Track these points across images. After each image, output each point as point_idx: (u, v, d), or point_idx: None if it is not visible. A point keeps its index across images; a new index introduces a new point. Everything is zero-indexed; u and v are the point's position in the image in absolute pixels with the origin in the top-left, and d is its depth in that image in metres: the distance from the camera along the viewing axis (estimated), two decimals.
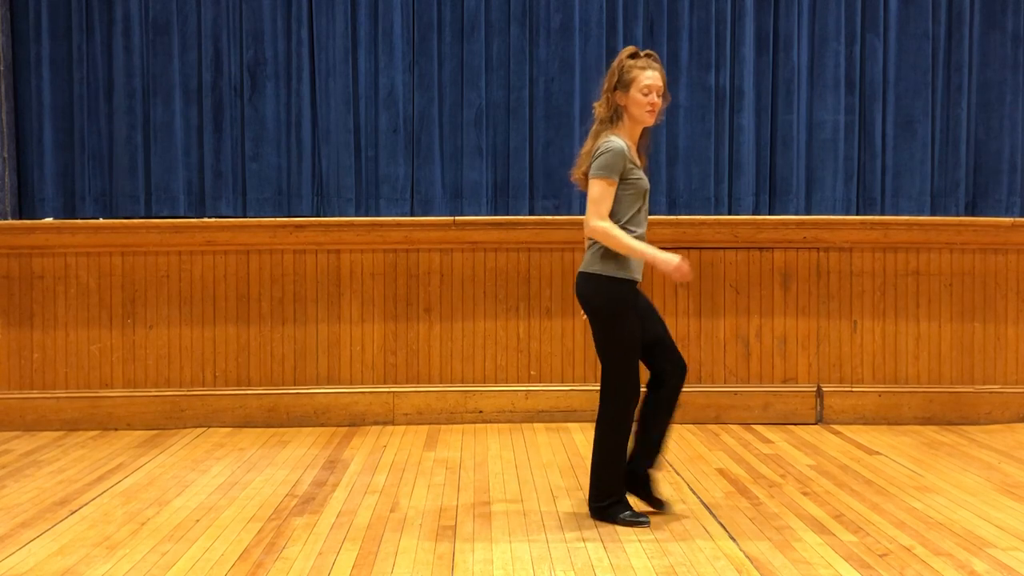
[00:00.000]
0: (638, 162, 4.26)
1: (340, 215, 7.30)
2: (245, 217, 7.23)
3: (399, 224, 6.32)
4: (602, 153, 4.15)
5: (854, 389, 6.29)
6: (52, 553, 3.95)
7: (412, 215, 7.36)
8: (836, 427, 6.19)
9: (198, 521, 4.34)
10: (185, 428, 6.17)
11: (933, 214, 7.46)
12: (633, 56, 4.25)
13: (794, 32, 7.50)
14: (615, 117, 4.26)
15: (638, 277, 4.23)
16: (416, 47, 7.44)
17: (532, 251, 6.31)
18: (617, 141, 4.17)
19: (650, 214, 4.32)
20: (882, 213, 7.47)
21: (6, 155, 7.19)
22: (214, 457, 5.50)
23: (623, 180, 4.16)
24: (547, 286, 6.30)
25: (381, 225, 6.31)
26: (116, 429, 6.17)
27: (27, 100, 7.33)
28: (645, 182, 4.22)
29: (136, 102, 7.34)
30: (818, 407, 6.28)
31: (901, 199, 7.54)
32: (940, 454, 5.54)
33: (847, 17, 7.50)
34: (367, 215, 7.35)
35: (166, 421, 6.18)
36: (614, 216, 4.15)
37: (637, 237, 4.18)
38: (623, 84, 4.21)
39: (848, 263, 6.29)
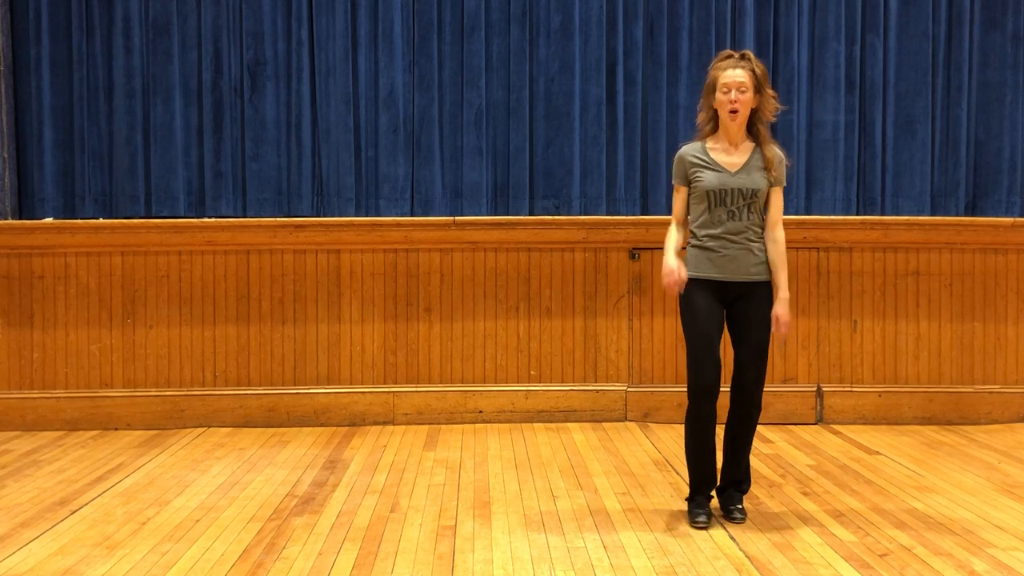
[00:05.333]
0: (721, 161, 4.24)
1: (340, 215, 7.29)
2: (245, 217, 7.23)
3: (399, 224, 6.32)
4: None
5: (854, 389, 6.29)
6: (52, 553, 3.95)
7: (412, 215, 7.35)
8: (836, 427, 6.19)
9: (198, 521, 4.34)
10: (185, 428, 6.17)
11: (933, 214, 7.45)
12: (722, 59, 4.27)
13: (794, 32, 7.50)
14: (715, 123, 4.29)
15: (710, 276, 4.22)
16: (416, 47, 7.44)
17: (532, 251, 6.31)
18: (682, 148, 4.36)
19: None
20: (882, 213, 7.46)
21: (6, 155, 7.18)
22: (214, 457, 5.50)
23: (690, 183, 4.28)
24: (547, 286, 6.30)
25: (381, 225, 6.31)
26: (116, 429, 6.17)
27: (27, 100, 7.32)
28: (707, 183, 4.20)
29: (136, 102, 7.33)
30: (818, 407, 6.28)
31: (901, 199, 7.53)
32: (940, 454, 5.54)
33: (847, 17, 7.49)
34: (367, 215, 7.35)
35: (166, 421, 6.18)
36: (690, 218, 4.34)
37: (705, 240, 4.22)
38: (712, 88, 4.25)
39: (848, 263, 6.29)
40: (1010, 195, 7.52)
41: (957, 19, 7.52)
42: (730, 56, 4.26)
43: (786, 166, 4.34)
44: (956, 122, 7.53)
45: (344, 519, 4.36)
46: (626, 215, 7.24)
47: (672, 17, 7.48)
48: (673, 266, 4.17)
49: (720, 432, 4.39)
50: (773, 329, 4.27)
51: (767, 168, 4.24)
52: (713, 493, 4.40)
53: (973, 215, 7.44)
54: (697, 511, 4.30)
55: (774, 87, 7.37)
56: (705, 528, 4.23)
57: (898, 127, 7.54)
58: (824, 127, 7.51)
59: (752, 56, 4.25)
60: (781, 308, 4.25)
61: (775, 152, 4.28)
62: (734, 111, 4.19)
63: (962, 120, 7.52)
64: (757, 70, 4.20)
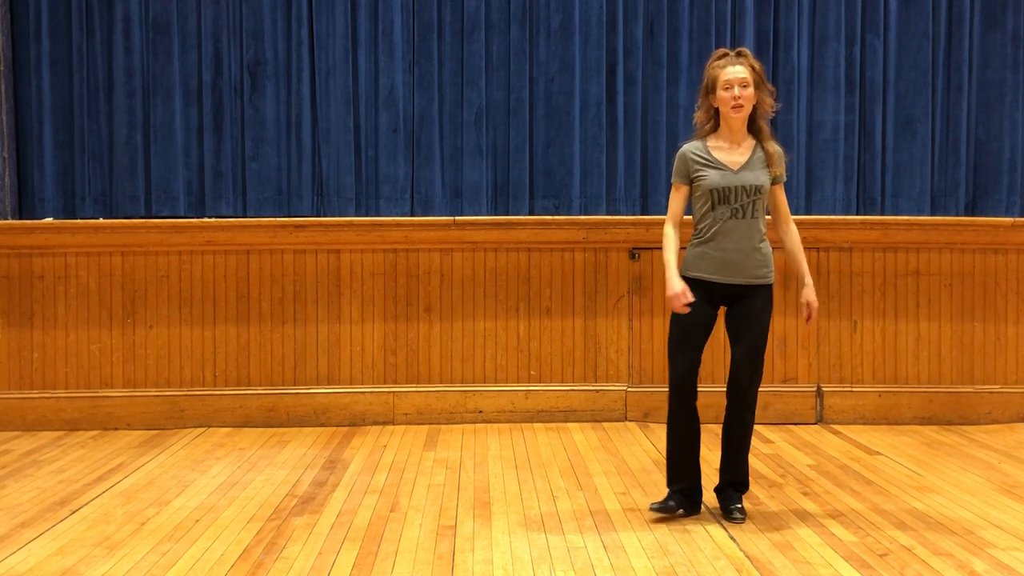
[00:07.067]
0: (723, 159, 4.23)
1: (340, 215, 7.30)
2: (245, 217, 7.23)
3: (399, 224, 6.32)
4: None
5: (854, 389, 6.29)
6: (52, 553, 3.95)
7: (412, 215, 7.36)
8: (836, 427, 6.19)
9: (198, 521, 4.34)
10: (185, 428, 6.17)
11: (933, 214, 7.45)
12: (719, 57, 4.28)
13: (794, 32, 7.50)
14: (715, 121, 4.29)
15: (707, 277, 4.22)
16: (416, 47, 7.44)
17: (532, 251, 6.31)
18: (684, 146, 4.34)
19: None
20: (882, 213, 7.47)
21: (6, 155, 7.18)
22: (214, 457, 5.50)
23: (692, 182, 4.26)
24: (547, 286, 6.30)
25: (381, 225, 6.31)
26: (116, 429, 6.17)
27: (27, 100, 7.33)
28: (710, 182, 4.19)
29: (136, 102, 7.34)
30: (818, 407, 6.28)
31: (901, 199, 7.54)
32: (940, 454, 5.54)
33: (847, 17, 7.50)
34: (367, 215, 7.35)
35: (166, 421, 6.18)
36: (692, 217, 4.33)
37: (708, 239, 4.22)
38: (711, 87, 4.25)
39: (848, 263, 6.29)
40: (1010, 195, 7.53)
41: (957, 19, 7.52)
42: (726, 54, 4.27)
43: (786, 162, 4.36)
44: (956, 122, 7.54)
45: (344, 519, 4.36)
46: (626, 215, 7.24)
47: (672, 17, 7.48)
48: (678, 288, 4.18)
49: (717, 432, 4.40)
50: (805, 315, 4.33)
51: (769, 165, 4.25)
52: (683, 491, 4.35)
53: (973, 215, 7.45)
54: (660, 500, 4.35)
55: (774, 87, 7.45)
56: (657, 511, 4.29)
57: (898, 127, 7.55)
58: (824, 127, 7.52)
59: (748, 52, 4.28)
60: (811, 294, 4.33)
61: (776, 148, 4.29)
62: (738, 106, 4.19)
63: (962, 120, 7.52)
64: (756, 66, 4.24)
